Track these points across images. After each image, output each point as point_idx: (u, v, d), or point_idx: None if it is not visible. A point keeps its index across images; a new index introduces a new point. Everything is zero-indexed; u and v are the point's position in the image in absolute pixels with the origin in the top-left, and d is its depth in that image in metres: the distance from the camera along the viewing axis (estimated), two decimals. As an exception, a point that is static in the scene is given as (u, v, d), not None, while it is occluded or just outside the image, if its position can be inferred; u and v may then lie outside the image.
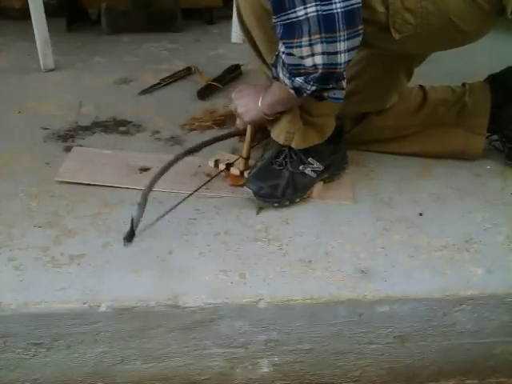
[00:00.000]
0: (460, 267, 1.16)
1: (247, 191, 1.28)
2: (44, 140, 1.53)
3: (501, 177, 1.44)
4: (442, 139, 1.46)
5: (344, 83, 1.08)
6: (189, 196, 1.28)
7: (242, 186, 1.32)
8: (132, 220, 1.16)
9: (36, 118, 1.63)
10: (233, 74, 1.92)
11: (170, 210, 1.23)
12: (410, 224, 1.27)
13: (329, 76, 1.03)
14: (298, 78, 1.04)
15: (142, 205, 1.18)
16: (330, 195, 1.35)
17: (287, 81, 1.07)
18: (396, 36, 1.11)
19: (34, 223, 1.22)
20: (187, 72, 1.96)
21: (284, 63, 1.05)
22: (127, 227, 1.18)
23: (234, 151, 1.45)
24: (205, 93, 1.80)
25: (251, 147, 1.36)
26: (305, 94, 1.07)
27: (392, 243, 1.21)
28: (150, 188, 1.21)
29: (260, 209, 1.29)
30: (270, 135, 1.33)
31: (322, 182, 1.36)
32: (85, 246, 1.16)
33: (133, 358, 1.12)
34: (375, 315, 1.10)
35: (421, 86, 1.50)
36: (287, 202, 1.29)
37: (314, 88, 1.05)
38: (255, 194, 1.27)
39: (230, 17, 2.23)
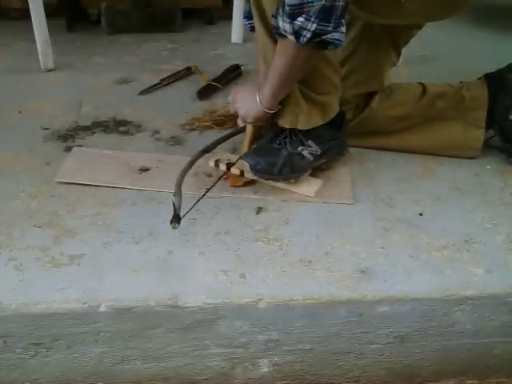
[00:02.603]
0: (460, 267, 1.16)
1: (244, 165, 1.29)
2: (44, 140, 1.53)
3: (501, 177, 1.44)
4: (441, 132, 1.48)
5: (343, 29, 1.09)
6: (206, 192, 1.29)
7: (242, 185, 1.33)
8: (174, 204, 1.17)
9: (36, 118, 1.63)
10: (233, 74, 1.92)
11: (197, 202, 1.25)
12: (410, 224, 1.27)
13: (329, 10, 1.04)
14: (299, 18, 1.05)
15: (178, 194, 1.20)
16: (330, 195, 1.35)
17: (287, 26, 1.07)
18: None
19: (34, 223, 1.22)
20: (187, 72, 1.96)
21: (285, 8, 1.06)
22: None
23: (234, 151, 1.45)
24: (205, 93, 1.80)
25: (251, 147, 1.37)
26: (305, 39, 1.07)
27: (392, 243, 1.21)
28: (182, 178, 1.25)
29: (260, 209, 1.29)
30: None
31: (321, 181, 1.37)
32: (85, 246, 1.16)
33: (133, 358, 1.12)
34: (375, 315, 1.10)
35: (420, 83, 1.53)
36: (282, 181, 1.31)
37: (314, 26, 1.05)
38: (252, 168, 1.29)
39: (230, 17, 2.23)
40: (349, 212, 1.30)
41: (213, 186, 1.31)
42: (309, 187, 1.34)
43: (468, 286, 1.11)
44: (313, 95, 1.30)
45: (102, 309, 1.05)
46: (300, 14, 1.05)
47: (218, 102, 1.75)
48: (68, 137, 1.55)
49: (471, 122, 1.47)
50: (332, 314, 1.10)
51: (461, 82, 1.51)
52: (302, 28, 1.06)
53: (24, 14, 1.94)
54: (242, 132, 1.39)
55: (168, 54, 2.15)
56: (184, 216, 1.18)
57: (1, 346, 1.07)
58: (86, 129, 1.59)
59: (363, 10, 1.26)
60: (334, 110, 1.35)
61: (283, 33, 1.09)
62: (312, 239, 1.21)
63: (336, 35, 1.09)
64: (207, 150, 1.36)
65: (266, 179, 1.30)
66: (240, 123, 1.38)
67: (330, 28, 1.06)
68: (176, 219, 1.15)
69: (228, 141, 1.43)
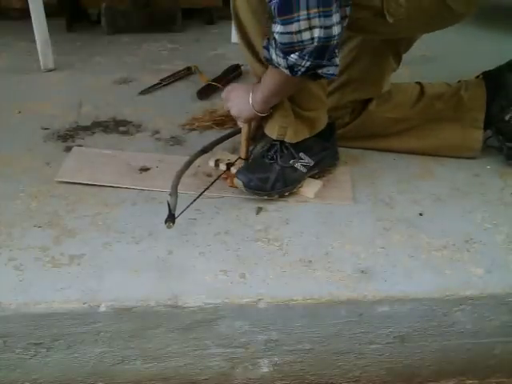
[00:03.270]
0: (460, 267, 1.16)
1: (237, 183, 1.29)
2: (44, 140, 1.53)
3: (501, 177, 1.44)
4: (440, 134, 1.48)
5: (337, 60, 1.09)
6: (203, 191, 1.29)
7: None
8: (168, 204, 1.17)
9: (36, 118, 1.63)
10: (233, 74, 1.92)
11: (191, 203, 1.25)
12: (410, 224, 1.27)
13: (323, 49, 1.03)
14: (292, 55, 1.04)
15: (174, 194, 1.20)
16: (330, 195, 1.35)
17: (281, 60, 1.07)
18: (390, 20, 1.16)
19: (34, 223, 1.22)
20: (187, 72, 1.96)
21: (277, 43, 1.05)
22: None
23: (234, 151, 1.45)
24: (205, 93, 1.80)
25: (249, 147, 1.37)
26: (299, 72, 1.07)
27: (392, 243, 1.21)
28: (178, 179, 1.24)
29: (260, 209, 1.29)
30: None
31: (321, 182, 1.37)
32: (85, 246, 1.16)
33: (133, 358, 1.12)
34: (375, 315, 1.10)
35: (418, 82, 1.53)
36: (276, 196, 1.31)
37: (308, 63, 1.05)
38: (245, 185, 1.28)
39: (230, 17, 2.22)
40: (349, 212, 1.30)
41: (210, 185, 1.30)
42: (309, 188, 1.34)
43: (468, 286, 1.11)
44: (300, 111, 1.29)
45: (102, 309, 1.05)
46: (293, 52, 1.04)
47: (217, 102, 1.75)
48: (68, 137, 1.55)
49: (470, 123, 1.46)
50: (332, 313, 1.10)
51: (459, 81, 1.51)
52: (296, 64, 1.05)
53: (24, 14, 1.94)
54: (240, 133, 1.39)
55: (168, 54, 2.15)
56: (179, 215, 1.17)
57: (1, 346, 1.07)
58: (86, 129, 1.59)
59: (360, 33, 1.26)
60: (322, 123, 1.35)
61: (276, 65, 1.09)
62: (312, 239, 1.21)
63: (331, 69, 1.08)
64: (205, 150, 1.36)
65: (260, 196, 1.29)
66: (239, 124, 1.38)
67: (324, 62, 1.06)
68: (171, 219, 1.15)
69: (228, 141, 1.43)
